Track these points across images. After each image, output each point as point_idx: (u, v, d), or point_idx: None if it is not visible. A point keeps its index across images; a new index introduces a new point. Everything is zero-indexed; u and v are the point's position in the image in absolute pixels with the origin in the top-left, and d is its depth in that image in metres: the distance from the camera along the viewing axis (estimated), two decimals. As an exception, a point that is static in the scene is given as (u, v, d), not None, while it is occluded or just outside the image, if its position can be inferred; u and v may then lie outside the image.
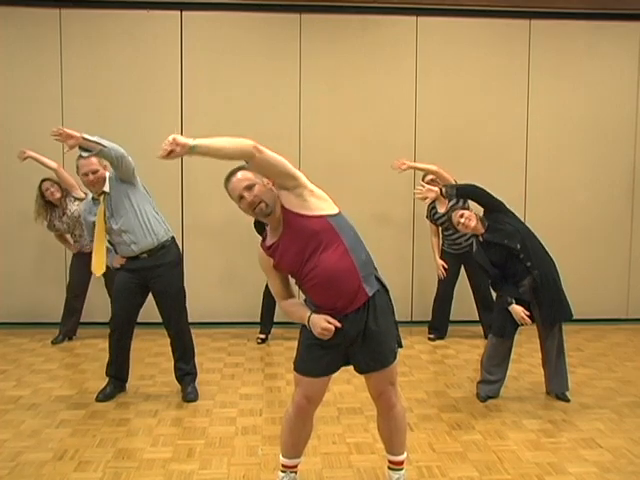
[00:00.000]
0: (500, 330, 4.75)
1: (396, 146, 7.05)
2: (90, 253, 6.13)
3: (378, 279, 3.18)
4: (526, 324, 4.61)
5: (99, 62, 6.83)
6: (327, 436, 4.12)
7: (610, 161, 7.30)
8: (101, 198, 4.66)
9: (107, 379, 4.88)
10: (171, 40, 6.88)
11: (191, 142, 2.73)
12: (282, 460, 3.37)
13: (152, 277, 4.68)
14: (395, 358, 3.19)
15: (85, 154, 4.45)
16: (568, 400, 4.76)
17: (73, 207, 6.19)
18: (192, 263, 6.87)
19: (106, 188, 4.66)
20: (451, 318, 6.80)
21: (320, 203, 3.05)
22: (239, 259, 7.04)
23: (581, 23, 7.17)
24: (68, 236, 6.39)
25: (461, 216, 4.70)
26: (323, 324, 2.99)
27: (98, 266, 4.76)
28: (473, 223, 4.67)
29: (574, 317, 4.78)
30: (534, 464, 3.77)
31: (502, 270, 4.65)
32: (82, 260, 6.22)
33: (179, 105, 6.92)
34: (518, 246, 4.57)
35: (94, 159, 4.58)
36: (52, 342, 6.29)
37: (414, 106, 7.10)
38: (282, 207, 3.04)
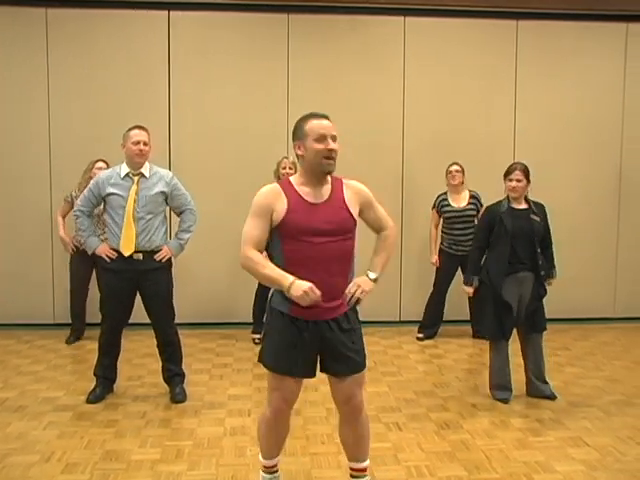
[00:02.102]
0: (498, 333, 4.76)
1: (384, 145, 7.07)
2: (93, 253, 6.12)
3: None
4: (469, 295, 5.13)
5: (86, 62, 6.79)
6: (316, 436, 4.12)
7: (597, 160, 7.34)
8: (135, 179, 4.64)
9: (95, 380, 4.86)
10: (159, 40, 6.85)
11: (372, 276, 3.20)
12: (263, 462, 3.35)
13: (144, 280, 4.65)
14: (366, 364, 3.20)
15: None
16: (555, 397, 4.79)
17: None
18: (180, 264, 6.84)
19: (145, 171, 4.67)
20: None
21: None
22: (227, 259, 7.02)
23: (567, 24, 7.21)
24: (63, 234, 6.28)
25: (518, 181, 4.71)
26: (306, 287, 2.89)
27: (128, 245, 4.59)
28: (517, 194, 4.73)
29: (554, 321, 4.95)
30: (522, 463, 3.79)
31: (512, 246, 4.65)
32: (81, 259, 6.16)
33: (167, 105, 6.89)
34: (537, 247, 4.69)
35: (146, 133, 4.70)
36: (66, 342, 6.30)
37: (402, 106, 7.11)
38: (343, 192, 3.12)
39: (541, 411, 4.62)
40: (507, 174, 4.78)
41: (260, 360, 3.18)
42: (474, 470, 3.70)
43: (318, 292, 2.90)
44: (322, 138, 2.98)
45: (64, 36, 6.76)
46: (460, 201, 6.43)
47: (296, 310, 3.02)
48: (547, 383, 4.87)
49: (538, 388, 4.84)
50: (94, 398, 4.74)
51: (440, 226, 6.56)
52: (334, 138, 3.02)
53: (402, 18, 7.04)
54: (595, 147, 7.33)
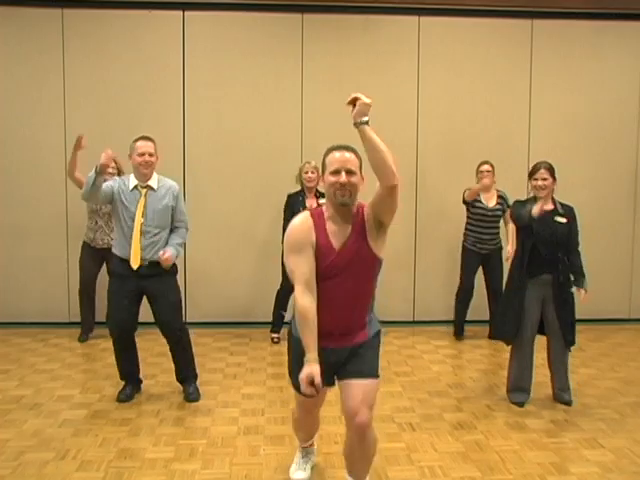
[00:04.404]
0: (505, 332, 4.74)
1: (398, 145, 7.01)
2: (101, 249, 6.16)
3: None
4: (539, 213, 4.49)
5: (101, 62, 6.83)
6: (329, 436, 4.12)
7: (612, 161, 7.29)
8: (143, 191, 4.63)
9: (124, 381, 4.87)
10: (173, 40, 6.88)
11: (366, 118, 2.83)
12: (300, 444, 3.66)
13: (150, 284, 4.64)
14: (378, 376, 3.14)
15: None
16: (570, 403, 4.74)
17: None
18: (194, 263, 6.88)
19: (153, 183, 4.65)
20: (452, 318, 6.81)
21: (384, 247, 3.09)
22: (241, 258, 7.04)
23: (584, 23, 7.16)
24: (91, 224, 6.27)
25: (544, 179, 4.60)
26: (306, 385, 2.87)
27: (136, 258, 4.58)
28: (544, 193, 4.60)
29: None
30: (536, 464, 3.78)
31: (535, 248, 4.59)
32: (90, 254, 6.22)
33: (181, 105, 6.92)
34: (561, 255, 4.63)
35: (153, 144, 4.66)
36: (79, 340, 6.34)
37: (416, 106, 7.10)
38: (364, 220, 3.04)
39: (556, 412, 4.60)
40: (532, 173, 4.69)
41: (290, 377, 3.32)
42: (488, 471, 3.69)
43: (318, 385, 2.86)
44: (336, 172, 2.98)
45: (80, 37, 6.80)
46: (490, 200, 6.39)
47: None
48: (569, 389, 4.80)
49: (556, 394, 4.80)
50: (125, 397, 4.77)
51: (465, 223, 6.54)
52: (349, 172, 2.97)
53: (416, 17, 7.02)
54: (611, 147, 7.28)
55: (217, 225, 6.99)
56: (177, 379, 4.95)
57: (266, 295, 6.65)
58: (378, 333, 3.23)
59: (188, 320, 6.83)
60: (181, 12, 6.87)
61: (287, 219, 6.10)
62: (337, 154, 3.02)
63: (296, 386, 3.16)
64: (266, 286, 6.69)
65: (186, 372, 4.90)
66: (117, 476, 3.58)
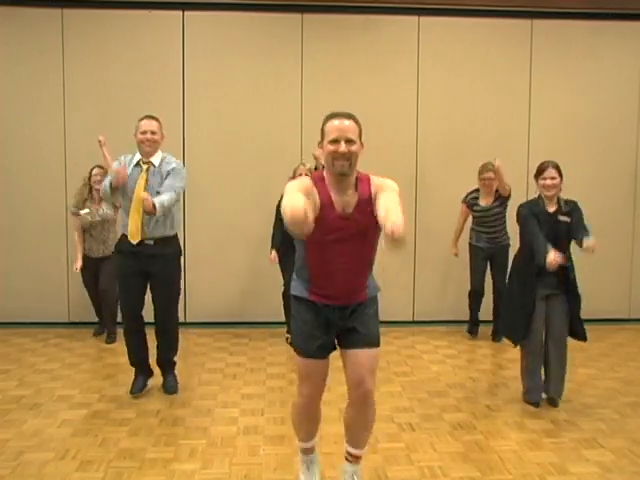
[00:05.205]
0: (523, 332, 4.69)
1: (398, 145, 7.05)
2: (96, 259, 6.22)
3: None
4: (553, 264, 4.39)
5: (101, 62, 6.83)
6: (329, 436, 4.11)
7: (612, 161, 7.29)
8: (145, 167, 4.66)
9: (134, 371, 4.92)
10: (173, 40, 6.88)
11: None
12: (301, 444, 3.40)
13: (153, 264, 4.65)
14: (379, 344, 3.16)
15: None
16: (557, 405, 4.68)
17: (108, 211, 6.23)
18: (194, 262, 6.88)
19: (155, 161, 4.69)
20: (452, 318, 6.81)
21: None
22: (241, 258, 7.04)
23: (583, 23, 7.16)
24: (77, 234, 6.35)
25: (553, 178, 4.58)
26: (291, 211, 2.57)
27: (135, 233, 4.61)
28: (553, 192, 4.60)
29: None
30: (536, 464, 3.77)
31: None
32: (87, 265, 6.30)
33: (181, 105, 6.91)
34: (568, 253, 4.65)
35: (156, 122, 4.71)
36: (94, 334, 6.45)
37: (416, 105, 7.09)
38: (371, 192, 3.01)
39: (555, 412, 4.59)
40: (539, 172, 4.65)
41: (292, 344, 3.23)
42: (487, 471, 3.69)
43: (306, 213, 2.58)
44: (335, 141, 2.94)
45: (80, 37, 6.80)
46: (488, 199, 6.42)
47: (313, 296, 3.09)
48: (561, 392, 4.74)
49: (548, 389, 4.75)
50: (137, 389, 4.82)
51: (470, 222, 6.57)
52: (348, 140, 2.93)
53: (416, 17, 7.02)
54: (610, 147, 7.28)
55: (217, 225, 6.99)
56: (157, 362, 4.94)
57: (266, 295, 6.66)
58: (376, 298, 3.22)
59: (188, 320, 6.85)
60: (181, 12, 6.88)
61: (276, 223, 6.08)
62: (336, 122, 2.98)
63: (298, 349, 3.16)
64: (266, 286, 6.70)
65: (166, 357, 4.91)
66: (117, 476, 3.58)
